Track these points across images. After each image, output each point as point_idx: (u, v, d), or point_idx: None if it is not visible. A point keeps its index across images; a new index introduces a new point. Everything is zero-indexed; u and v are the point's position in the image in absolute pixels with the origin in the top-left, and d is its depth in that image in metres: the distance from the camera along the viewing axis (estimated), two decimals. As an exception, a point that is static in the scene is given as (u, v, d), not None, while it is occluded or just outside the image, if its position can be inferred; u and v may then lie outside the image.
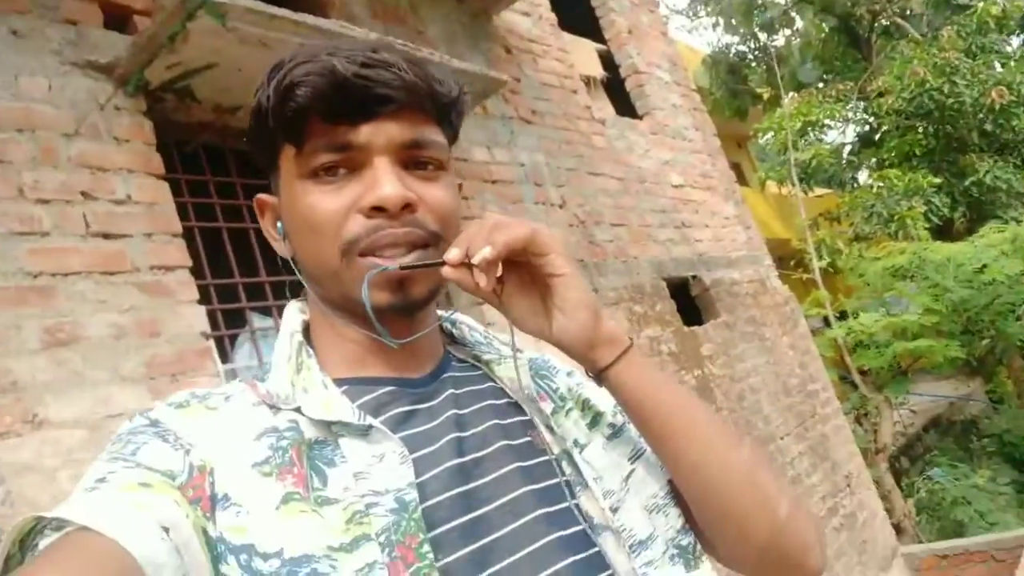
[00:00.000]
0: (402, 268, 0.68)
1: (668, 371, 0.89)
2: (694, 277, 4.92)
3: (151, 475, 0.59)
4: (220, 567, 0.59)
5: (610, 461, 0.77)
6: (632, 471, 0.78)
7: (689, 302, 4.86)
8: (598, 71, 5.24)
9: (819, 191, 11.38)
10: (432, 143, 0.72)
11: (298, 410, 0.68)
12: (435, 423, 0.72)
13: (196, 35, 2.22)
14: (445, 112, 0.74)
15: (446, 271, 0.67)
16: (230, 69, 2.42)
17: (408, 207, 0.69)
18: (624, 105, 5.38)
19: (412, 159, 0.71)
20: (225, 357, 2.49)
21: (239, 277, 2.58)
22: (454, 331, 0.86)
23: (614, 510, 0.73)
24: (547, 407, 0.78)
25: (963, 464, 7.49)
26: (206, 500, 0.60)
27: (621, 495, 0.75)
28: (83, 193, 2.09)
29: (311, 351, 0.73)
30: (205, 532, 0.59)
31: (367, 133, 0.68)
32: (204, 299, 2.34)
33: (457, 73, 2.83)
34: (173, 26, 2.20)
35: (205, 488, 0.61)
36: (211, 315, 2.40)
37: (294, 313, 0.79)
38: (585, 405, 0.82)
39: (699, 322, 4.79)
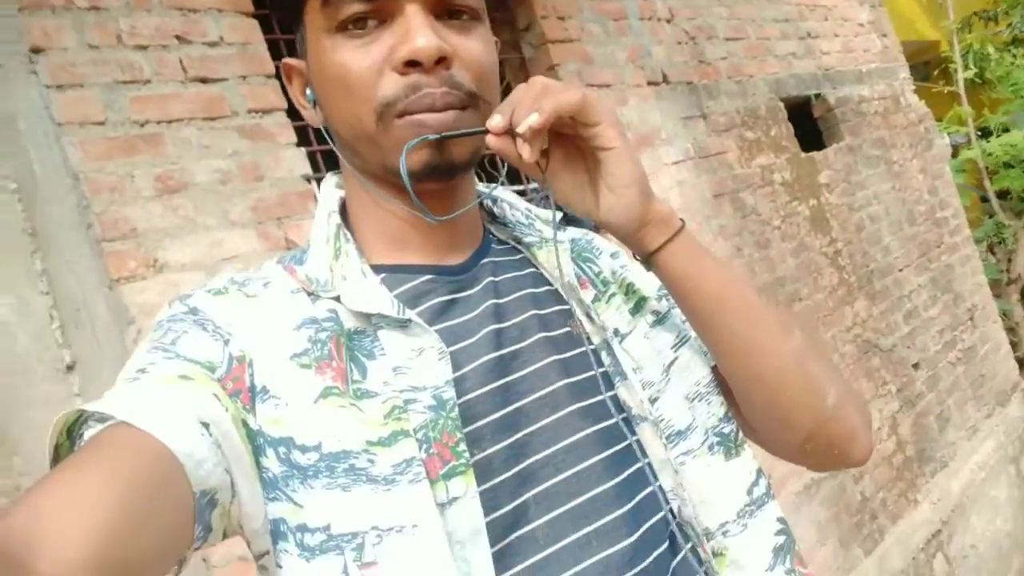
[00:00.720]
0: (442, 137, 0.65)
1: (715, 257, 0.87)
2: (817, 96, 4.58)
3: (191, 367, 0.60)
4: (260, 459, 0.60)
5: (652, 349, 0.76)
6: (675, 359, 0.77)
7: (810, 124, 4.56)
8: None
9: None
10: None
11: (337, 299, 0.68)
12: (473, 314, 0.71)
13: None
14: None
15: (489, 139, 0.65)
16: None
17: (443, 61, 0.65)
18: None
19: (445, 6, 0.67)
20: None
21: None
22: (495, 209, 0.83)
23: (653, 400, 0.73)
24: (588, 294, 0.77)
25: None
26: (246, 392, 0.62)
27: (661, 385, 0.74)
28: (177, 37, 2.12)
29: (348, 235, 0.72)
30: (245, 424, 0.60)
31: None
32: (302, 141, 2.39)
33: None
34: None
35: (245, 380, 0.62)
36: (311, 156, 2.47)
37: (331, 189, 0.77)
38: (629, 289, 0.80)
39: (819, 146, 4.52)
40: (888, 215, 4.73)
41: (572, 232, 0.86)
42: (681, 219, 0.71)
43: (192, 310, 0.66)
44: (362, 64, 0.65)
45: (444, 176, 0.68)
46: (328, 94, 0.69)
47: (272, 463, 0.60)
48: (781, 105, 4.23)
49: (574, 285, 0.76)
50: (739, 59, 4.07)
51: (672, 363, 0.77)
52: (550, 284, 0.78)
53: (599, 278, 0.80)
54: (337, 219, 0.73)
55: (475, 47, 0.68)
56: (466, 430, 0.64)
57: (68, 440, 0.57)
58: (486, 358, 0.69)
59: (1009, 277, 6.38)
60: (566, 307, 0.76)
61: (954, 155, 6.83)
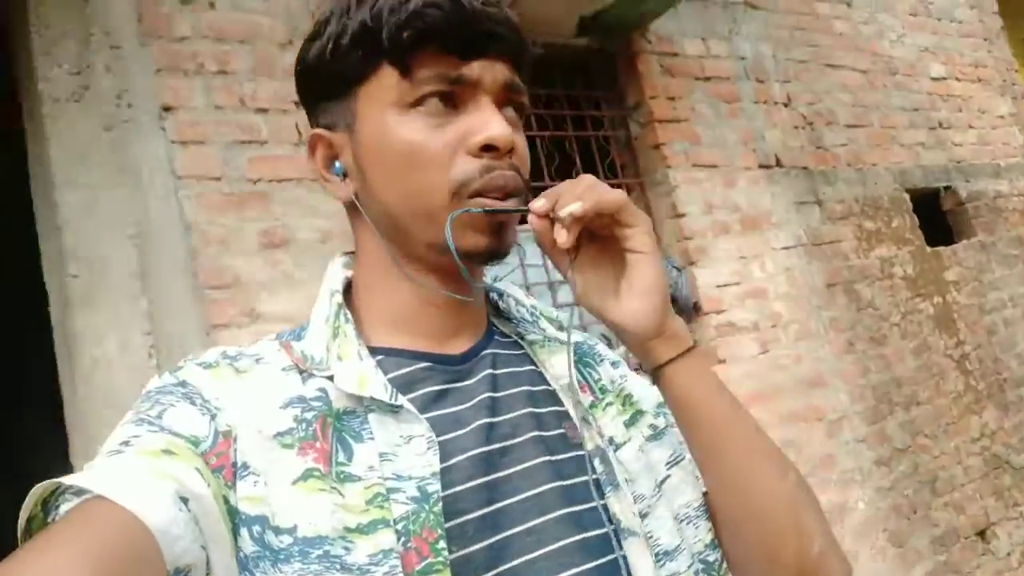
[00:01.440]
0: (486, 212, 0.67)
1: (723, 383, 0.86)
2: (947, 188, 4.37)
3: (175, 440, 0.59)
4: (237, 538, 0.59)
5: (645, 464, 0.75)
6: (667, 477, 0.76)
7: (936, 218, 4.34)
8: (849, -59, 4.62)
9: None
10: (522, 88, 0.73)
11: (330, 378, 0.68)
12: (467, 405, 0.71)
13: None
14: (529, 61, 0.74)
15: (531, 219, 0.68)
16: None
17: (512, 151, 0.69)
18: (878, -19, 4.73)
19: (507, 101, 0.71)
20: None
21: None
22: (500, 303, 0.84)
23: (643, 515, 0.72)
24: (586, 399, 0.77)
25: None
26: (229, 468, 0.61)
27: (652, 501, 0.73)
28: (295, 102, 2.27)
29: (349, 315, 0.72)
30: (227, 501, 0.59)
31: (479, 69, 0.68)
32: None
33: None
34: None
35: (229, 455, 0.61)
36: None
37: (337, 269, 0.77)
38: (627, 400, 0.80)
39: (947, 241, 4.28)
40: (1025, 319, 4.39)
41: (576, 336, 0.86)
42: (694, 339, 0.73)
43: (181, 383, 0.65)
44: (438, 141, 0.67)
45: (495, 261, 0.71)
46: (386, 168, 0.69)
47: (245, 543, 0.59)
48: (906, 196, 4.06)
49: (575, 387, 0.76)
50: (860, 146, 3.96)
51: (664, 480, 0.76)
52: (548, 384, 0.77)
53: (597, 385, 0.80)
54: (339, 299, 0.73)
55: (523, 141, 0.73)
56: (447, 525, 0.63)
57: (42, 512, 0.56)
58: (474, 452, 0.68)
59: None
60: (562, 408, 0.75)
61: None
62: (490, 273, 0.84)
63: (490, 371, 0.74)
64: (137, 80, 2.04)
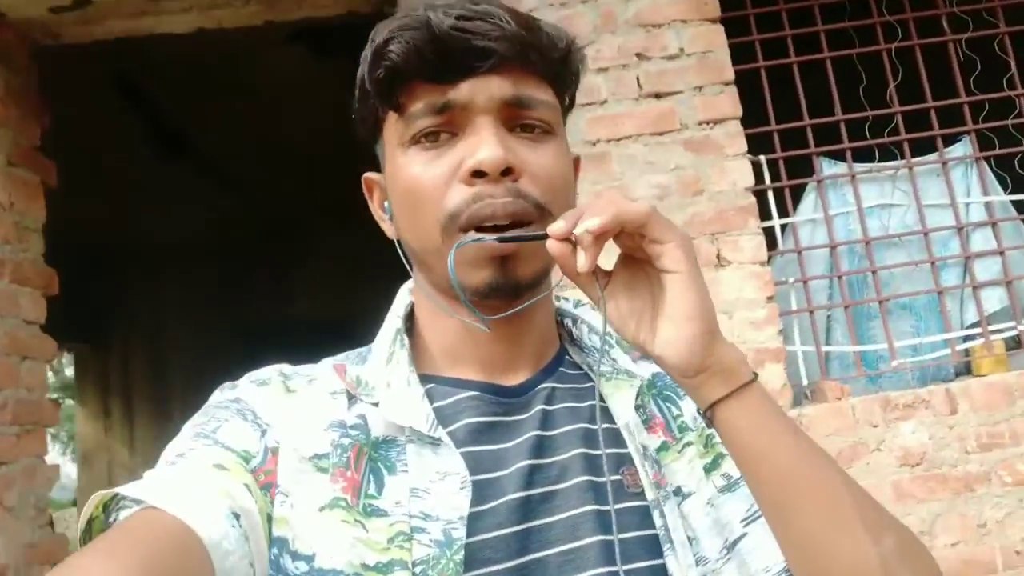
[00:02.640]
0: (500, 240, 0.62)
1: (792, 424, 0.62)
2: None
3: (228, 455, 0.61)
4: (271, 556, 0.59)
5: (714, 520, 0.67)
6: (743, 535, 0.66)
7: None
8: None
9: None
10: (539, 102, 0.66)
11: (376, 405, 0.67)
12: (511, 443, 0.67)
13: None
14: (555, 68, 0.68)
15: (549, 244, 0.60)
16: None
17: (510, 172, 0.63)
18: None
19: (517, 120, 0.66)
20: (785, 210, 2.42)
21: (807, 119, 2.40)
22: (574, 330, 0.78)
23: None
24: (656, 440, 0.70)
25: None
26: (274, 487, 0.61)
27: (718, 565, 0.65)
28: (638, 55, 2.24)
29: (406, 341, 0.71)
30: (269, 519, 0.60)
31: (467, 90, 0.64)
32: (764, 147, 2.29)
33: None
34: None
35: (276, 472, 0.62)
36: (772, 164, 2.35)
37: (404, 294, 0.76)
38: (709, 441, 0.71)
39: None
40: None
41: (655, 367, 0.76)
42: (754, 372, 0.61)
43: (236, 399, 0.67)
44: (431, 175, 0.65)
45: (508, 296, 0.66)
46: (400, 205, 0.69)
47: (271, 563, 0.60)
48: None
49: (631, 429, 0.69)
50: None
51: (738, 540, 0.67)
52: (614, 422, 0.70)
53: (676, 422, 0.72)
54: (399, 323, 0.73)
55: (546, 160, 0.66)
56: (469, 575, 0.60)
57: (103, 514, 0.58)
58: (511, 497, 0.64)
59: None
60: (625, 451, 0.69)
61: None
62: (573, 297, 0.79)
63: (543, 407, 0.70)
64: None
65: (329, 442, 0.64)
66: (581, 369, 0.76)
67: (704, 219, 2.16)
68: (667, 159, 2.18)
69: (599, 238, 0.59)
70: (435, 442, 0.64)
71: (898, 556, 0.58)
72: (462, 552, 0.60)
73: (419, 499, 0.62)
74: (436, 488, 0.62)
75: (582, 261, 0.59)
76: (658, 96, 2.21)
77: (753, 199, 2.19)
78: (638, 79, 2.22)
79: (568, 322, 0.79)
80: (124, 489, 0.56)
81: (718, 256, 2.15)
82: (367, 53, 0.66)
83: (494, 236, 0.62)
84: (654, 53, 2.23)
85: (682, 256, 0.59)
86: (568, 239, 0.60)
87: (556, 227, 0.60)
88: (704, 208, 2.17)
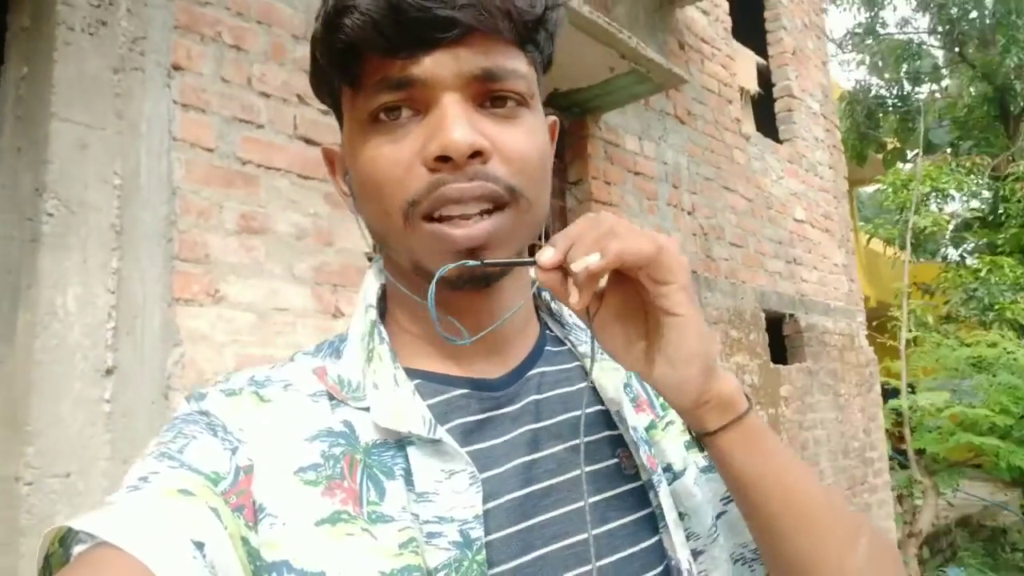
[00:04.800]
0: (484, 265, 0.58)
1: (786, 451, 0.62)
2: (791, 316, 4.93)
3: (194, 478, 0.54)
4: None
5: (702, 497, 0.67)
6: (724, 512, 0.68)
7: (779, 339, 4.87)
8: (753, 86, 5.20)
9: (913, 259, 11.15)
10: (511, 72, 0.59)
11: (366, 410, 0.61)
12: (505, 438, 0.63)
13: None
14: (529, 32, 0.60)
15: (537, 273, 0.56)
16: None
17: (479, 155, 0.57)
18: (768, 126, 5.34)
19: (487, 93, 0.59)
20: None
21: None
22: (552, 304, 0.74)
23: (696, 553, 0.65)
24: (644, 419, 0.69)
25: (989, 572, 7.40)
26: (250, 508, 0.55)
27: (707, 540, 0.66)
28: (298, 96, 2.22)
29: (383, 334, 0.64)
30: (246, 542, 0.54)
31: (429, 65, 0.57)
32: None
33: (645, 62, 2.88)
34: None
35: (250, 493, 0.56)
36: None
37: (372, 277, 0.69)
38: None
39: (783, 361, 4.82)
40: (829, 442, 5.00)
41: None
42: (748, 399, 0.61)
43: (204, 412, 0.60)
44: (391, 158, 0.58)
45: (478, 284, 0.62)
46: (360, 186, 0.62)
47: None
48: (762, 315, 4.54)
49: (623, 414, 0.67)
50: (737, 264, 4.40)
51: (720, 515, 0.68)
52: (602, 403, 0.68)
53: (659, 399, 0.72)
54: (373, 314, 0.65)
55: (518, 138, 0.59)
56: None
57: (61, 548, 0.52)
58: (511, 496, 0.61)
59: (911, 530, 6.69)
60: (617, 432, 0.67)
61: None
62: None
63: (534, 396, 0.66)
64: (154, 31, 1.92)
65: (318, 453, 0.58)
66: (564, 345, 0.72)
67: (331, 269, 2.22)
68: (308, 203, 2.19)
69: (594, 278, 0.54)
70: (435, 441, 0.59)
71: (871, 554, 0.61)
72: (484, 551, 0.57)
73: (429, 503, 0.58)
74: (444, 488, 0.58)
75: (575, 298, 0.55)
76: (308, 142, 2.23)
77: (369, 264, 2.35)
78: (295, 118, 2.21)
79: (547, 294, 0.75)
80: (80, 523, 0.50)
81: (336, 306, 2.22)
82: (319, 19, 0.60)
83: (477, 262, 0.58)
84: (313, 102, 2.26)
85: (684, 299, 0.55)
86: (559, 267, 0.55)
87: (546, 257, 0.55)
88: (332, 259, 2.23)
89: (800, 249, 5.19)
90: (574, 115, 3.39)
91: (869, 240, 11.01)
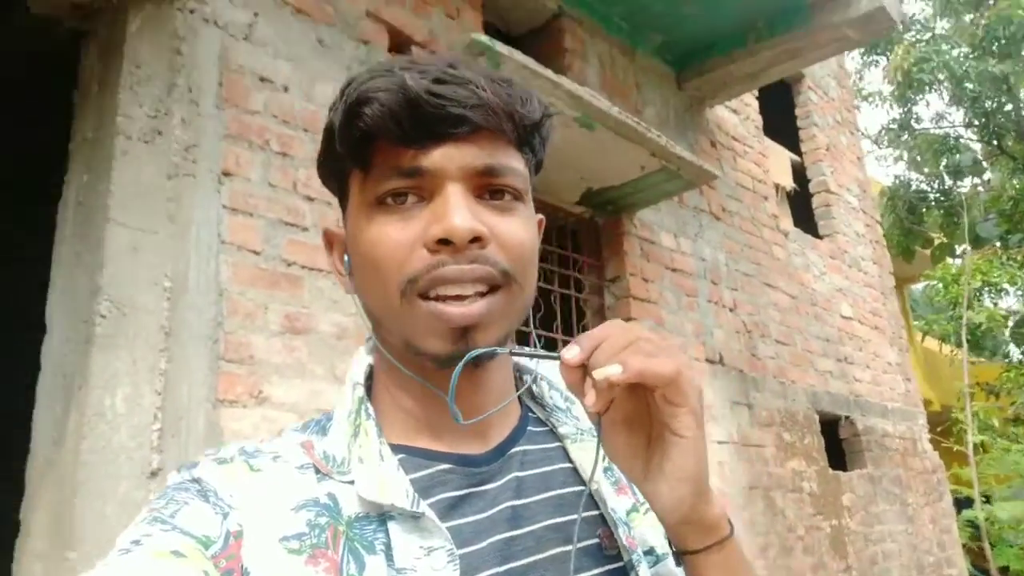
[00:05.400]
0: (511, 353, 0.65)
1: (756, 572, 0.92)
2: (847, 418, 4.87)
3: (186, 541, 0.59)
4: None
5: None
6: None
7: (835, 442, 4.80)
8: (789, 182, 5.36)
9: (974, 358, 10.97)
10: (509, 170, 0.67)
11: (351, 483, 0.66)
12: (486, 515, 0.67)
13: (469, 77, 2.50)
14: (527, 136, 0.69)
15: (560, 368, 0.62)
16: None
17: (477, 240, 0.63)
18: (807, 222, 5.46)
19: (487, 187, 0.66)
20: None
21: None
22: (534, 387, 0.79)
23: None
24: (625, 502, 0.73)
25: None
26: (238, 572, 0.59)
27: None
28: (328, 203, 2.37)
29: (370, 410, 0.69)
30: None
31: (438, 157, 0.64)
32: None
33: (675, 160, 3.03)
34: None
35: (240, 558, 0.60)
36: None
37: (361, 357, 0.75)
38: None
39: (843, 467, 4.72)
40: (900, 555, 4.81)
41: None
42: (731, 523, 0.66)
43: (196, 480, 0.64)
44: (395, 239, 0.64)
45: (467, 365, 0.65)
46: (360, 264, 0.68)
47: None
48: (816, 417, 4.49)
49: (603, 494, 0.72)
50: (784, 363, 4.41)
51: None
52: (584, 484, 0.72)
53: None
54: (361, 391, 0.71)
55: (514, 227, 0.67)
56: None
57: None
58: (489, 572, 0.64)
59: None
60: (599, 512, 0.71)
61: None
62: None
63: (516, 474, 0.70)
64: (206, 139, 2.09)
65: (304, 522, 0.62)
66: (545, 426, 0.77)
67: (372, 369, 2.29)
68: (349, 304, 2.29)
69: (613, 387, 0.59)
70: (416, 516, 0.63)
71: None
72: None
73: None
74: (422, 565, 0.62)
75: (591, 401, 0.60)
76: (350, 243, 2.35)
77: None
78: (338, 222, 2.34)
79: (527, 378, 0.79)
80: None
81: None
82: (339, 107, 0.66)
83: (494, 349, 0.65)
84: (354, 203, 2.40)
85: (692, 423, 0.60)
86: (580, 366, 0.60)
87: (571, 355, 0.60)
88: (373, 359, 2.30)
89: (850, 347, 5.18)
90: (608, 213, 3.52)
91: (924, 338, 10.89)
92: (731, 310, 4.12)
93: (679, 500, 0.61)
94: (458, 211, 0.63)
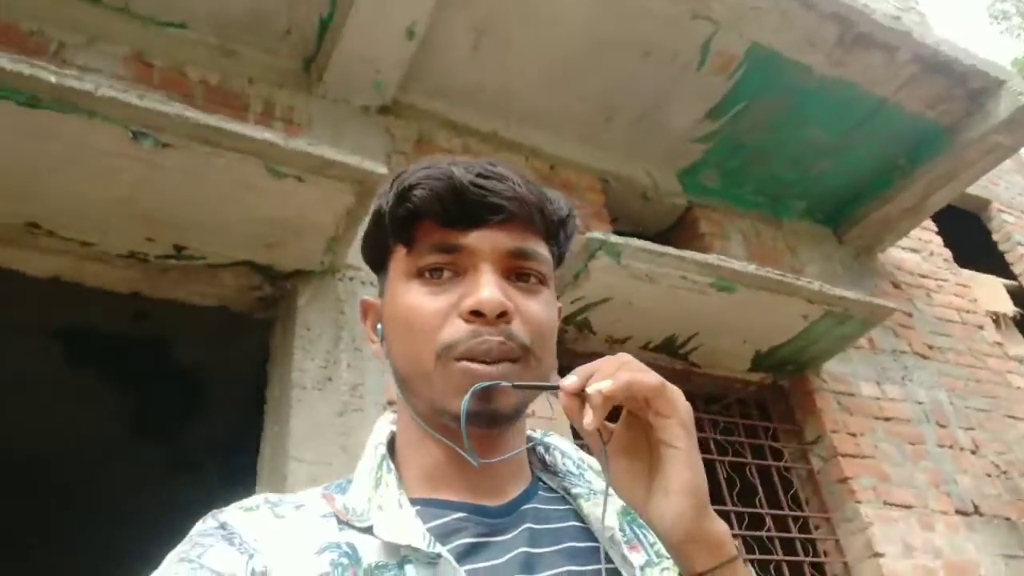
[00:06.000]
0: (515, 386, 0.70)
1: None
2: None
3: None
4: None
5: None
6: None
7: None
8: (1008, 307, 4.87)
9: None
10: (536, 255, 0.76)
11: (369, 529, 0.70)
12: (501, 560, 0.70)
13: (595, 272, 2.69)
14: (554, 229, 0.79)
15: (561, 396, 0.67)
16: (621, 302, 2.85)
17: (504, 315, 0.71)
18: (1048, 344, 4.84)
19: (515, 269, 0.75)
20: None
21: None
22: (547, 456, 0.85)
23: None
24: (639, 557, 0.74)
25: None
26: None
27: None
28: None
29: (391, 466, 0.76)
30: None
31: (475, 238, 0.73)
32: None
33: (836, 301, 2.93)
34: (577, 266, 2.71)
35: None
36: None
37: (383, 425, 0.82)
38: None
39: None
40: None
41: None
42: (737, 549, 0.67)
43: (222, 525, 0.69)
44: (431, 307, 0.73)
45: (486, 425, 0.72)
46: (395, 330, 0.76)
47: None
48: None
49: (619, 543, 0.75)
50: (1068, 503, 3.73)
51: None
52: (595, 540, 0.75)
53: (654, 548, 0.76)
54: (383, 450, 0.77)
55: (536, 308, 0.75)
56: None
57: None
58: None
59: None
60: (612, 566, 0.74)
61: None
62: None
63: (529, 525, 0.74)
64: (371, 377, 2.39)
65: (328, 562, 0.67)
66: (557, 492, 0.81)
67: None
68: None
69: (607, 401, 0.64)
70: (433, 561, 0.67)
71: None
72: None
73: None
74: None
75: (589, 418, 0.64)
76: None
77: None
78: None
79: (540, 449, 0.86)
80: None
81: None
82: (390, 191, 0.76)
83: (509, 384, 0.70)
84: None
85: (682, 434, 0.64)
86: (579, 394, 0.65)
87: (569, 383, 0.66)
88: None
89: None
90: (790, 373, 3.40)
91: None
92: (973, 452, 3.65)
93: (680, 513, 0.64)
94: (489, 287, 0.71)
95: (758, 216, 4.04)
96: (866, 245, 4.29)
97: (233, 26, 2.88)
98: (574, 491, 0.80)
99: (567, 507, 0.78)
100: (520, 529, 0.73)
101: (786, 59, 3.37)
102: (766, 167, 3.93)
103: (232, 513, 0.71)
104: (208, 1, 2.82)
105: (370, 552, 0.68)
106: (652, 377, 0.64)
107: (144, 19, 2.77)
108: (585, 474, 0.82)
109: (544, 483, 0.82)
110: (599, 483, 0.80)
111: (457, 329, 0.71)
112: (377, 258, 0.82)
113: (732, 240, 3.80)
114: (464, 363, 0.70)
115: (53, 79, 1.84)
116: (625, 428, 0.68)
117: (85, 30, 2.61)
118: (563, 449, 0.85)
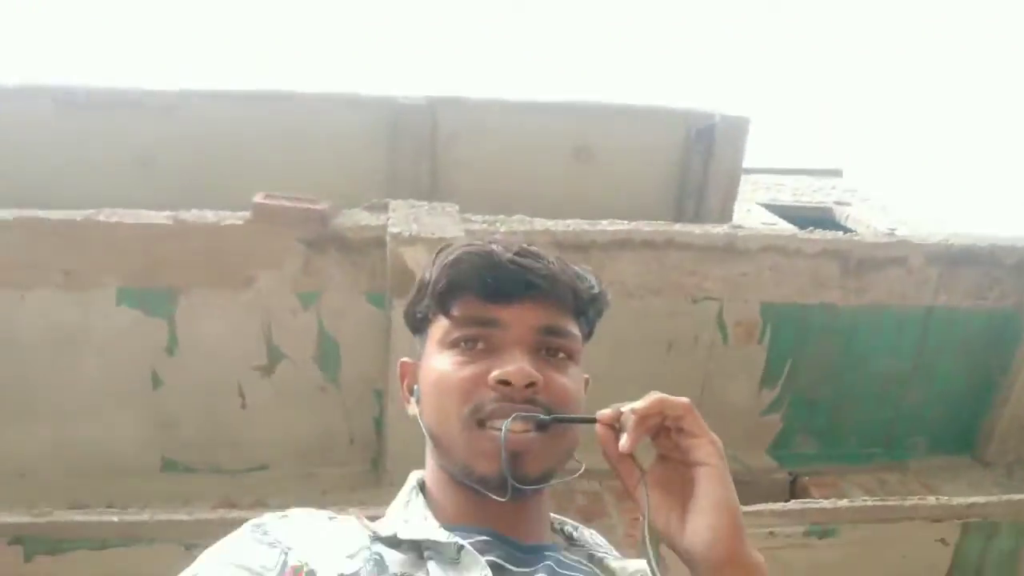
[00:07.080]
0: (552, 420, 0.75)
1: None
2: None
3: (242, 573, 0.69)
4: None
5: None
6: None
7: None
8: None
9: None
10: (566, 332, 0.81)
11: (394, 536, 0.74)
12: None
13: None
14: (583, 306, 0.84)
15: (597, 427, 0.73)
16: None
17: (531, 385, 0.75)
18: None
19: (546, 345, 0.80)
20: None
21: None
22: (574, 533, 0.87)
23: None
24: None
25: None
26: None
27: None
28: None
29: (421, 495, 0.81)
30: None
31: (510, 313, 0.78)
32: None
33: (967, 510, 2.61)
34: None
35: None
36: None
37: (414, 473, 0.87)
38: None
39: None
40: None
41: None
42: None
43: (257, 526, 0.75)
44: (462, 374, 0.77)
45: (514, 496, 0.74)
46: (428, 392, 0.81)
47: None
48: None
49: (655, 569, 0.74)
50: None
51: None
52: None
53: None
54: (414, 483, 0.84)
55: (563, 381, 0.79)
56: None
57: None
58: None
59: None
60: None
61: None
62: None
63: (551, 565, 0.76)
64: None
65: (361, 559, 0.72)
66: (577, 557, 0.83)
67: None
68: None
69: (641, 421, 0.70)
70: (455, 556, 0.71)
71: None
72: None
73: None
74: None
75: (624, 441, 0.69)
76: None
77: None
78: None
79: (568, 528, 0.89)
80: None
81: None
82: (434, 266, 0.83)
83: (546, 417, 0.75)
84: None
85: (714, 451, 0.69)
86: (613, 425, 0.72)
87: (604, 413, 0.73)
88: None
89: None
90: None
91: None
92: None
93: (718, 530, 0.66)
94: (520, 359, 0.76)
95: (879, 466, 3.73)
96: (1017, 458, 3.80)
97: (310, 453, 3.27)
98: (598, 555, 0.83)
99: (589, 568, 0.80)
100: (542, 565, 0.75)
101: (804, 305, 3.43)
102: (852, 415, 3.75)
103: (268, 519, 0.77)
104: (286, 443, 3.25)
105: (396, 562, 0.72)
106: (681, 400, 0.70)
107: (232, 472, 3.20)
108: (612, 552, 0.85)
109: (565, 551, 0.84)
110: (628, 561, 0.82)
111: (486, 395, 0.76)
112: (418, 324, 0.87)
113: (855, 497, 3.48)
114: (491, 431, 0.75)
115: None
116: (658, 464, 0.73)
117: (180, 496, 3.03)
118: (592, 532, 0.89)
